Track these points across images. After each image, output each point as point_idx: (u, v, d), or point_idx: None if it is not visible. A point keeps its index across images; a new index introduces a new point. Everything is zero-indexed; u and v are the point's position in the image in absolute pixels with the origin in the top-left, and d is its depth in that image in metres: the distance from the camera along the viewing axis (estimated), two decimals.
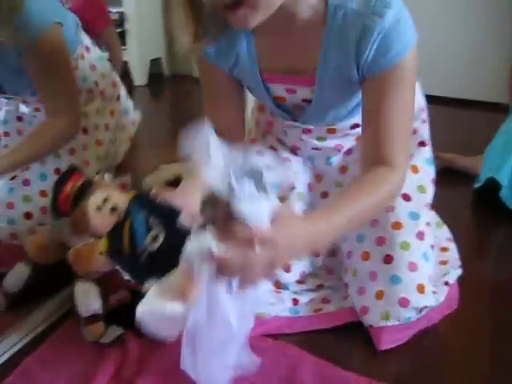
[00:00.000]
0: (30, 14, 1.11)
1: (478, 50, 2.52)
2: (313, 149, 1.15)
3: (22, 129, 1.42)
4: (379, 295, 0.98)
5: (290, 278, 1.09)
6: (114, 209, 0.81)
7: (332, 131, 1.09)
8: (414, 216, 1.03)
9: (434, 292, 1.01)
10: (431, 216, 1.15)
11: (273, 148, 1.19)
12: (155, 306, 0.71)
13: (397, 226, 1.02)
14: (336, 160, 1.17)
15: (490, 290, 1.14)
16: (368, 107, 0.91)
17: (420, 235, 1.02)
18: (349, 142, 1.13)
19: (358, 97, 0.95)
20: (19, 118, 1.41)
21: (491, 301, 1.10)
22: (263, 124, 1.24)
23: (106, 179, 0.92)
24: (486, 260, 1.33)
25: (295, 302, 1.06)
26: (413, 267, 0.98)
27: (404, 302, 0.95)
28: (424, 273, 0.98)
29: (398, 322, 0.96)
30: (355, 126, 1.07)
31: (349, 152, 1.16)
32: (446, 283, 1.07)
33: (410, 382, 0.90)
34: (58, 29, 1.19)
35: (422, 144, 1.15)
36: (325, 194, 1.17)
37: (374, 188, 0.87)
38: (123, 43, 2.80)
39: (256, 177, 0.68)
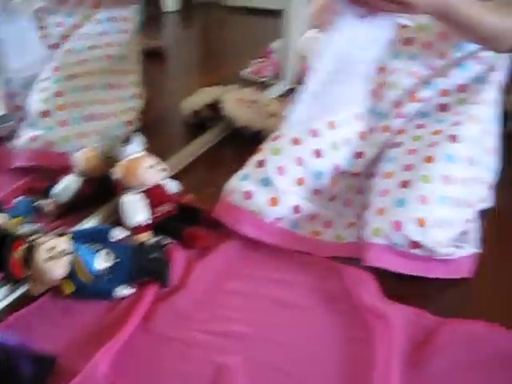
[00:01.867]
0: None
1: None
2: None
3: None
4: (380, 211, 0.96)
5: (322, 165, 1.06)
6: (62, 252, 0.86)
7: None
8: (450, 159, 0.99)
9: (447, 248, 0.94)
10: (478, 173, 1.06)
11: None
12: None
13: (429, 159, 0.99)
14: None
15: None
16: None
17: (446, 180, 0.96)
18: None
19: None
20: None
21: None
22: None
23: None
24: None
25: (296, 209, 1.03)
26: (423, 200, 0.93)
27: (397, 226, 0.92)
28: (431, 211, 0.93)
29: (386, 243, 0.93)
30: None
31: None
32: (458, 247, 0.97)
33: None
34: None
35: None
36: None
37: None
38: None
39: None
